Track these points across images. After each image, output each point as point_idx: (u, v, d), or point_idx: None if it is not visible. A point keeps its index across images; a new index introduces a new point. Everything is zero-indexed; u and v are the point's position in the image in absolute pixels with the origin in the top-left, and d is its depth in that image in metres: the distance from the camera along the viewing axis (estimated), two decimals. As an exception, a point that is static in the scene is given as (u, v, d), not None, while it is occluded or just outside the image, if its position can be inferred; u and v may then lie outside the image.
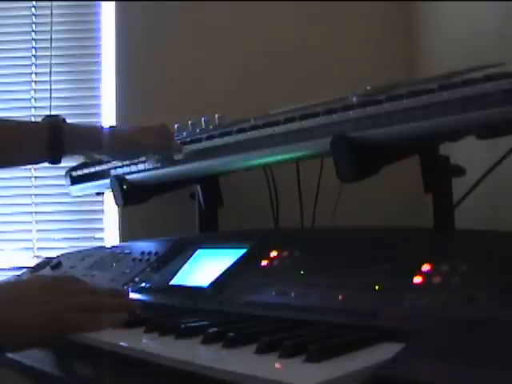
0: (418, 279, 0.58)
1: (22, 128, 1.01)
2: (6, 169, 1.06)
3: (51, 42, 1.53)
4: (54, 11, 1.54)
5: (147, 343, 0.63)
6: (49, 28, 1.53)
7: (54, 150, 0.97)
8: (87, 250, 1.24)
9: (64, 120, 1.00)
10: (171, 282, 0.86)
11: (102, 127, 1.08)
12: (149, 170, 1.09)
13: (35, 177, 1.53)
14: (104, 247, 1.26)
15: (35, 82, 1.55)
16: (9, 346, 0.67)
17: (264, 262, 0.76)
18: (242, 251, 0.82)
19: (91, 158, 1.18)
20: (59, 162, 0.99)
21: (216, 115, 1.05)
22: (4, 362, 0.76)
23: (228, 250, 0.85)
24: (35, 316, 0.65)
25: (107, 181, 1.17)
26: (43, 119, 1.00)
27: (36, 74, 1.56)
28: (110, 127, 1.07)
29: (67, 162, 1.26)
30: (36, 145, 0.97)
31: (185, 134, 1.06)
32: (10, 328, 0.64)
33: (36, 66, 1.56)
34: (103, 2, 1.55)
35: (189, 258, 0.90)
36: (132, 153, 1.06)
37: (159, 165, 1.07)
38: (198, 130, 1.05)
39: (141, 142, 1.02)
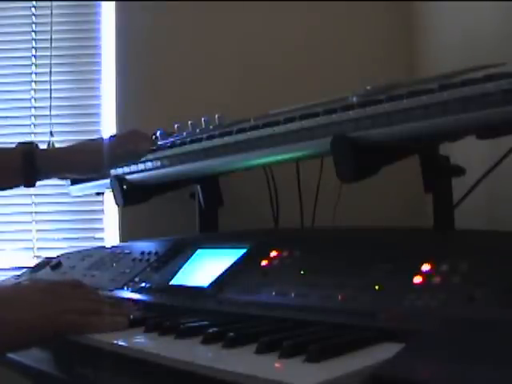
0: (418, 279, 0.58)
1: None
2: None
3: (51, 42, 1.53)
4: (54, 11, 1.53)
5: (147, 343, 0.63)
6: (49, 28, 1.53)
7: (27, 176, 1.01)
8: (87, 249, 1.24)
9: (37, 146, 1.04)
10: (171, 282, 0.86)
11: (73, 146, 1.11)
12: (149, 170, 1.09)
13: (35, 177, 1.53)
14: (104, 247, 1.26)
15: (35, 82, 1.55)
16: (7, 347, 0.67)
17: (264, 262, 0.76)
18: (242, 251, 0.82)
19: (66, 178, 1.21)
20: (33, 186, 1.03)
21: (216, 115, 1.05)
22: (4, 361, 0.76)
23: (228, 249, 0.85)
24: (33, 318, 0.65)
25: (107, 181, 1.17)
26: (16, 145, 1.03)
27: (36, 74, 1.55)
28: (83, 143, 1.10)
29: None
30: (10, 171, 1.01)
31: (185, 134, 1.06)
32: (9, 329, 0.64)
33: (36, 65, 1.56)
34: (103, 2, 1.55)
35: (189, 258, 0.90)
36: (105, 167, 1.09)
37: (159, 164, 1.07)
38: (197, 130, 1.05)
39: (114, 153, 1.05)
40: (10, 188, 1.09)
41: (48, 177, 1.07)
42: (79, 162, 1.04)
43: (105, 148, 1.05)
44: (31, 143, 1.04)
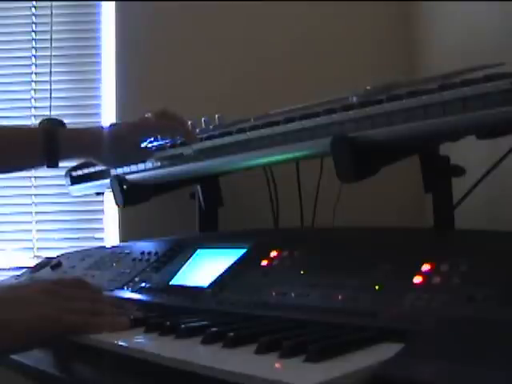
0: (418, 279, 0.58)
1: (18, 133, 1.03)
2: (5, 173, 1.08)
3: (51, 42, 1.54)
4: (54, 11, 1.54)
5: (147, 343, 0.63)
6: (49, 28, 1.53)
7: (49, 156, 0.98)
8: (87, 249, 1.24)
9: (61, 123, 1.02)
10: (171, 282, 0.86)
11: (100, 128, 1.09)
12: (149, 169, 1.09)
13: (35, 177, 1.54)
14: (104, 247, 1.26)
15: (35, 82, 1.55)
16: (6, 349, 0.67)
17: (264, 262, 0.76)
18: (242, 251, 0.82)
19: (90, 161, 1.18)
20: (56, 166, 1.00)
21: (216, 115, 1.05)
22: (4, 361, 0.76)
23: (228, 249, 0.85)
24: (32, 318, 0.65)
25: (107, 181, 1.17)
26: (40, 123, 1.01)
27: (36, 73, 1.56)
28: (110, 125, 1.07)
29: (67, 162, 1.27)
30: (32, 150, 0.99)
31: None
32: (7, 331, 0.64)
33: (36, 65, 1.56)
34: (103, 2, 1.55)
35: (189, 258, 0.90)
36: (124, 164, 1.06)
37: (159, 164, 1.07)
38: (198, 130, 1.05)
39: (146, 124, 1.01)
40: (33, 167, 1.07)
41: (70, 158, 1.05)
42: (99, 153, 1.01)
43: (135, 123, 1.02)
44: (55, 120, 1.02)
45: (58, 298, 0.70)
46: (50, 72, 1.53)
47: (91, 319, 0.68)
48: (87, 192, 1.34)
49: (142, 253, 1.01)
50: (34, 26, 1.56)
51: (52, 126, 1.00)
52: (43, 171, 1.49)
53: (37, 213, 1.54)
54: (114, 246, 1.20)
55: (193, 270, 0.87)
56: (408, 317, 0.54)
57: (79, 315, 0.68)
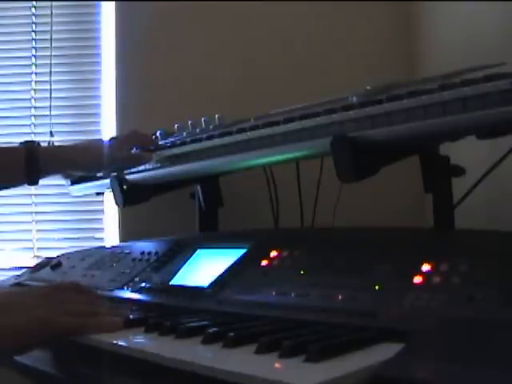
0: (418, 279, 0.58)
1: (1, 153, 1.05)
2: None
3: (51, 42, 1.53)
4: (54, 11, 1.54)
5: (147, 343, 0.63)
6: (49, 28, 1.53)
7: (30, 174, 1.02)
8: (87, 249, 1.24)
9: (39, 144, 1.06)
10: (171, 282, 0.86)
11: (75, 145, 1.13)
12: (149, 170, 1.09)
13: (35, 177, 1.53)
14: (104, 247, 1.26)
15: (35, 82, 1.55)
16: (7, 352, 0.68)
17: (264, 262, 0.76)
18: (242, 251, 0.82)
19: (68, 176, 1.23)
20: (36, 184, 1.04)
21: (216, 115, 1.05)
22: (4, 362, 0.76)
23: (228, 250, 0.85)
24: (29, 322, 0.65)
25: (107, 181, 1.17)
26: (19, 144, 1.04)
27: (36, 74, 1.56)
28: (86, 141, 1.14)
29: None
30: (13, 170, 1.02)
31: (185, 134, 1.06)
32: (7, 335, 0.64)
33: (36, 65, 1.56)
34: (103, 2, 1.55)
35: (189, 258, 0.90)
36: (106, 167, 1.10)
37: (159, 165, 1.07)
38: (197, 130, 1.05)
39: (114, 155, 1.06)
40: (13, 186, 1.10)
41: (50, 174, 1.08)
42: (81, 161, 1.05)
43: (105, 149, 1.06)
44: (33, 142, 1.05)
45: (54, 301, 0.70)
46: (50, 72, 1.53)
47: (86, 321, 0.68)
48: (87, 192, 1.34)
49: (142, 253, 1.01)
50: (34, 26, 1.56)
51: (32, 145, 1.03)
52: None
53: (37, 213, 1.54)
54: (114, 246, 1.20)
55: (193, 270, 0.87)
56: (408, 317, 0.54)
57: (75, 317, 0.68)
